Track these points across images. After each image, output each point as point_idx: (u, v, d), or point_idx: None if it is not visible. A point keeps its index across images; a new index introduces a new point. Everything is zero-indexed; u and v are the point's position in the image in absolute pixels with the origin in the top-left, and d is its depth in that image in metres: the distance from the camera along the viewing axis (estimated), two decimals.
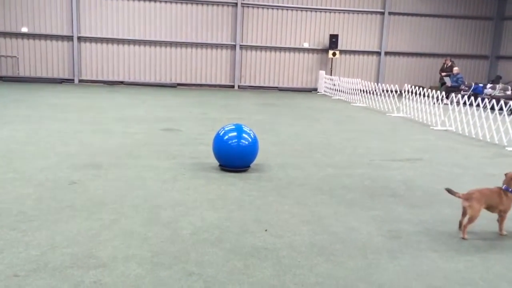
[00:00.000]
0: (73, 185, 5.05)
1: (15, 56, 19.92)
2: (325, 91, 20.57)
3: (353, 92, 16.84)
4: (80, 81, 20.41)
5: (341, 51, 21.80)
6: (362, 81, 16.62)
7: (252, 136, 6.05)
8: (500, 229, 4.08)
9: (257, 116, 11.73)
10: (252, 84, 21.86)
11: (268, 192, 5.10)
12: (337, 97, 18.32)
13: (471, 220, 3.93)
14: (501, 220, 4.08)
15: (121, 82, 20.67)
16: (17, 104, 12.06)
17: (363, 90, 16.03)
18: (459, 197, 4.02)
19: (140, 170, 5.81)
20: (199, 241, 3.64)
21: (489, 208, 4.02)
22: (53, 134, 8.03)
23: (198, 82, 21.43)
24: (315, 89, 21.72)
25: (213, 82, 21.55)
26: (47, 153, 6.51)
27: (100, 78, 20.58)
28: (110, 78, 20.64)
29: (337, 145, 8.17)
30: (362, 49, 22.36)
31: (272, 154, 7.14)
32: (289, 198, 4.91)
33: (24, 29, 19.84)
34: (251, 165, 6.16)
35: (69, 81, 20.31)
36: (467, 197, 3.96)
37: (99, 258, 3.27)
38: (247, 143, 5.98)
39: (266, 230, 3.94)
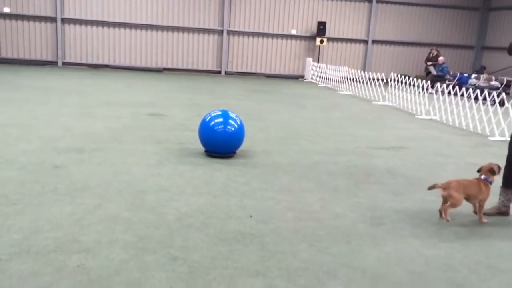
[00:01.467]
0: (56, 169, 4.99)
1: None
2: (312, 78, 20.57)
3: (339, 80, 16.88)
4: (64, 63, 20.05)
5: (329, 39, 21.77)
6: (349, 69, 16.65)
7: (238, 122, 6.04)
8: (480, 217, 4.17)
9: (243, 102, 11.70)
10: (239, 70, 21.74)
11: (253, 179, 5.11)
12: (324, 85, 18.34)
13: (452, 206, 4.02)
14: (480, 209, 4.17)
15: (106, 66, 20.36)
16: None
17: (350, 78, 16.07)
18: (438, 187, 4.10)
19: (125, 155, 5.76)
20: (184, 227, 3.64)
21: (468, 198, 4.11)
22: (35, 117, 7.90)
23: (185, 67, 21.22)
24: (302, 76, 21.70)
25: (200, 68, 21.37)
26: (29, 137, 6.40)
27: (84, 61, 20.24)
28: (95, 61, 20.31)
29: (323, 132, 8.21)
30: (349, 37, 22.35)
31: (258, 140, 7.14)
32: (274, 185, 4.92)
33: (6, 9, 19.34)
34: (237, 151, 6.16)
35: (53, 63, 19.93)
36: (445, 187, 4.04)
37: (82, 243, 3.25)
38: (233, 129, 5.96)
39: (251, 216, 3.96)
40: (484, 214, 4.20)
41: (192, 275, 2.90)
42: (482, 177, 4.18)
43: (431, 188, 4.16)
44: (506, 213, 4.39)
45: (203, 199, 4.32)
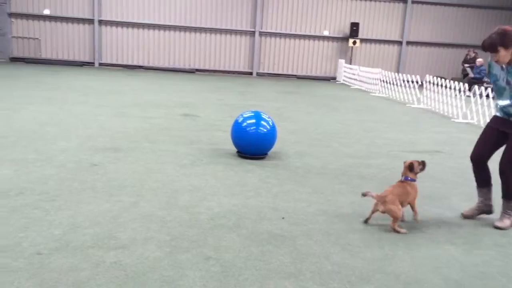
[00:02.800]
0: (94, 167, 5.14)
1: (38, 38, 20.19)
2: (344, 80, 20.38)
3: (372, 82, 16.65)
4: (100, 64, 20.61)
5: (362, 40, 21.54)
6: (382, 70, 16.42)
7: (271, 124, 6.05)
8: (415, 218, 4.04)
9: (275, 103, 11.71)
10: (271, 71, 21.78)
11: (285, 180, 5.11)
12: (356, 87, 18.14)
13: (395, 220, 3.82)
14: (412, 209, 4.03)
15: (140, 67, 20.79)
16: (39, 85, 12.25)
17: (383, 80, 15.83)
18: (372, 196, 3.88)
19: (159, 155, 5.87)
20: (217, 227, 3.69)
21: (402, 203, 3.90)
22: (74, 116, 8.16)
23: (216, 68, 21.43)
24: (334, 78, 21.54)
25: (231, 69, 21.54)
26: (68, 135, 6.62)
27: (119, 62, 20.75)
28: (130, 63, 20.79)
29: (355, 135, 8.12)
30: (383, 38, 22.04)
31: (289, 142, 7.14)
32: (306, 187, 4.91)
33: (47, 11, 20.05)
34: (269, 152, 6.18)
35: (90, 64, 20.52)
36: (382, 201, 3.82)
37: (119, 239, 3.33)
38: (265, 130, 5.98)
39: (283, 218, 3.96)
40: (468, 218, 4.17)
41: (225, 274, 2.93)
42: (403, 178, 4.01)
43: (364, 195, 3.93)
44: (489, 212, 4.27)
45: (235, 200, 4.35)
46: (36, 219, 3.58)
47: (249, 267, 3.05)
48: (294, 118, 9.47)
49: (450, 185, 5.30)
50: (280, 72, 21.73)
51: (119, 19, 20.35)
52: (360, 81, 18.01)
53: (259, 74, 21.54)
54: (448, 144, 7.79)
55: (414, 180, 4.04)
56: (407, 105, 13.04)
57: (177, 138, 6.93)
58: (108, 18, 20.29)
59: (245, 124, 5.95)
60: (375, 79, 16.43)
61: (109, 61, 20.68)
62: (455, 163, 6.45)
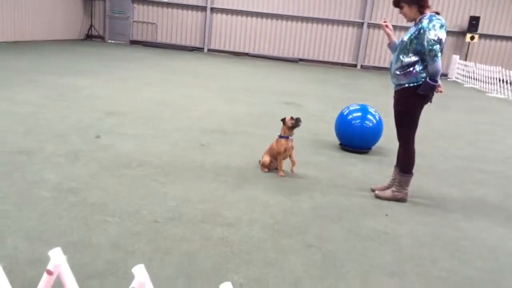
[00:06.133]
0: (203, 147, 5.43)
1: (155, 23, 21.64)
2: (456, 77, 19.03)
3: (489, 81, 15.33)
4: (209, 50, 21.53)
5: (481, 35, 19.87)
6: (503, 69, 15.02)
7: (377, 118, 5.88)
8: (279, 170, 4.65)
9: (379, 97, 11.32)
10: (376, 64, 21.07)
11: (389, 177, 4.94)
12: (470, 85, 16.85)
13: (262, 165, 4.76)
14: (278, 163, 4.67)
15: (246, 54, 21.35)
16: (155, 68, 13.18)
17: (503, 80, 14.50)
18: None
19: (263, 140, 6.00)
20: (319, 216, 3.71)
21: (273, 156, 4.69)
22: (185, 98, 8.66)
23: (321, 58, 21.26)
24: (446, 75, 20.21)
25: (336, 60, 21.22)
26: (180, 116, 7.06)
27: (227, 48, 21.49)
28: (236, 49, 21.43)
29: (467, 137, 7.58)
30: (506, 34, 20.12)
31: (395, 138, 6.86)
32: (412, 186, 4.70)
33: None
34: (373, 147, 6.02)
35: (199, 49, 21.54)
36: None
37: (225, 217, 3.51)
38: (371, 124, 5.83)
39: (387, 215, 3.86)
40: (380, 198, 4.21)
41: (326, 264, 2.94)
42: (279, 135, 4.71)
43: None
44: (401, 200, 4.23)
45: (337, 192, 4.33)
46: (153, 190, 3.90)
47: (351, 260, 3.03)
48: None
49: None
50: (386, 65, 20.91)
51: (229, 7, 21.03)
52: (475, 79, 16.68)
53: (364, 67, 20.94)
54: None
55: (285, 137, 4.66)
56: None
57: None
58: (220, 6, 21.07)
59: (350, 116, 5.86)
60: (493, 78, 15.10)
61: (217, 47, 21.53)
62: None
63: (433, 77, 3.86)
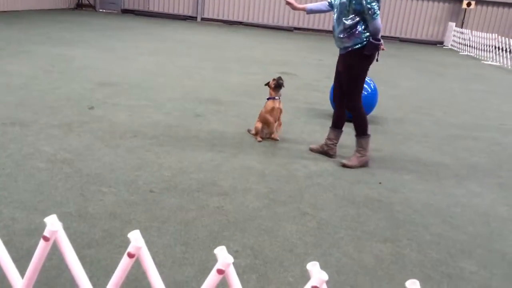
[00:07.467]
0: (197, 117, 5.41)
1: None
2: (452, 45, 18.89)
3: (485, 48, 15.25)
4: (202, 19, 21.16)
5: (478, 2, 19.61)
6: (499, 37, 14.91)
7: (372, 87, 5.86)
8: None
9: (375, 66, 11.21)
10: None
11: (383, 146, 4.99)
12: (466, 53, 16.76)
13: (254, 130, 4.86)
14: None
15: (240, 23, 21.01)
16: (147, 37, 12.97)
17: (499, 47, 14.42)
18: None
19: (258, 110, 5.98)
20: (313, 185, 3.74)
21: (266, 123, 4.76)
22: (179, 68, 8.57)
23: (316, 27, 20.97)
24: (441, 43, 20.04)
25: (330, 28, 20.91)
26: (174, 85, 7.00)
27: (220, 17, 21.12)
28: (230, 18, 21.07)
29: (462, 105, 7.60)
30: (503, 0, 19.85)
31: (389, 107, 6.89)
32: (405, 155, 4.76)
33: None
34: (368, 116, 6.01)
35: (192, 18, 21.16)
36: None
37: (221, 187, 3.53)
38: (365, 93, 5.80)
39: (380, 183, 3.91)
40: (349, 167, 4.19)
41: (320, 231, 2.99)
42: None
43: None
44: (328, 154, 4.43)
45: (332, 160, 4.36)
46: (148, 161, 3.91)
47: (345, 227, 3.08)
48: (394, 83, 9.06)
49: None
50: (381, 34, 20.69)
51: None
52: (471, 46, 16.58)
53: None
54: None
55: (272, 98, 4.76)
56: None
57: None
58: None
59: None
60: (490, 45, 15.01)
61: (210, 16, 21.15)
62: None
63: (374, 35, 3.93)
